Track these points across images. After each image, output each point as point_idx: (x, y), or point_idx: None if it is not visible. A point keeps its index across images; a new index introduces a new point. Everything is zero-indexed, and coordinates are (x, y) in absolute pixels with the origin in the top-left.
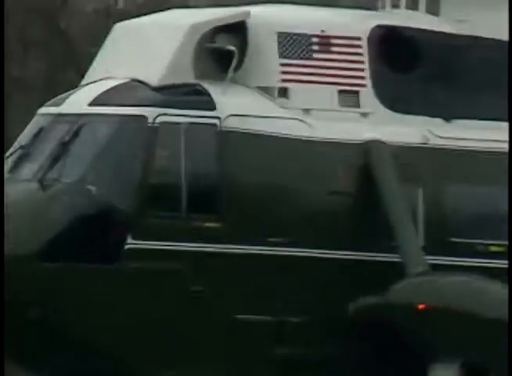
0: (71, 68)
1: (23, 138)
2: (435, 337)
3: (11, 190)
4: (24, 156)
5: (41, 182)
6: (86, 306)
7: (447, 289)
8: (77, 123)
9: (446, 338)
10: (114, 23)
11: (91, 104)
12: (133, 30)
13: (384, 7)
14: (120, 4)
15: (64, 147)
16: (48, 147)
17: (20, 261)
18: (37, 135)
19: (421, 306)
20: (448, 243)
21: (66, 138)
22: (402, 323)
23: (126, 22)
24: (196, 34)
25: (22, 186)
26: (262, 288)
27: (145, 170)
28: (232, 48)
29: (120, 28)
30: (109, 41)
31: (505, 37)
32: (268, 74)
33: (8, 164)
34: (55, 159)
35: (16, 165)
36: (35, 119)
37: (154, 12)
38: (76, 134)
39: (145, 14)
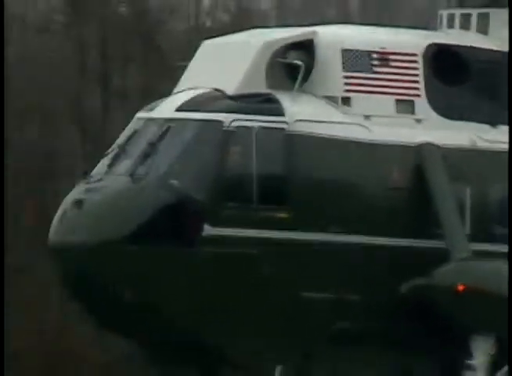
0: (165, 79)
1: (121, 138)
2: (474, 315)
3: (107, 184)
4: (120, 154)
5: (132, 176)
6: (169, 286)
7: (487, 273)
8: (165, 126)
9: (484, 317)
10: (202, 40)
11: (177, 110)
12: (217, 46)
13: (440, 27)
14: (208, 23)
15: (153, 147)
16: (139, 147)
17: (114, 244)
18: (132, 136)
19: (461, 287)
20: (491, 232)
21: (155, 139)
22: (444, 301)
23: (211, 40)
24: (268, 50)
25: (116, 179)
26: (325, 270)
27: (221, 167)
28: (299, 62)
29: (207, 45)
30: (196, 56)
31: None
32: (333, 84)
33: (107, 160)
34: (145, 157)
35: (114, 161)
36: (132, 122)
37: (237, 30)
38: (163, 135)
39: (229, 32)
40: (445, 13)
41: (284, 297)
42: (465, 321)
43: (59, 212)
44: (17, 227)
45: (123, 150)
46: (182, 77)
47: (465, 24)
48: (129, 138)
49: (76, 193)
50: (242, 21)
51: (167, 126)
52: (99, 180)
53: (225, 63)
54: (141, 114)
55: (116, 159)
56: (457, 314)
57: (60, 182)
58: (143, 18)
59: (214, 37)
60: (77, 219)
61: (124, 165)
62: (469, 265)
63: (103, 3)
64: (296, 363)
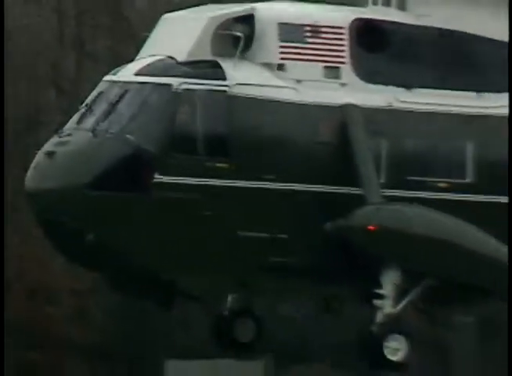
0: (132, 47)
1: (89, 98)
2: (382, 251)
3: (74, 138)
4: (87, 112)
5: (93, 132)
6: (124, 225)
7: (392, 214)
8: (124, 88)
9: (391, 252)
10: (167, 12)
11: (135, 74)
12: (173, 20)
13: (367, 5)
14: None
15: (113, 106)
16: (103, 106)
17: (75, 190)
18: (98, 96)
19: (371, 227)
20: (402, 180)
21: (116, 99)
22: (358, 239)
23: (170, 13)
24: (213, 23)
25: (81, 134)
26: (260, 213)
27: (170, 124)
28: (239, 34)
29: (165, 18)
30: (157, 28)
31: (456, 27)
32: (269, 53)
33: (76, 117)
34: (106, 115)
35: (81, 119)
36: (99, 84)
37: (199, 4)
38: (122, 96)
39: (194, 5)
40: None
41: (224, 235)
42: (375, 256)
43: (34, 162)
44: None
45: (89, 108)
46: (144, 45)
47: (387, 2)
48: (95, 98)
49: (48, 145)
50: None
51: (126, 88)
52: (68, 135)
53: (178, 35)
54: (106, 77)
55: (83, 116)
56: (368, 250)
57: (40, 135)
58: None
59: (175, 11)
60: (47, 168)
61: (89, 122)
62: (379, 208)
63: None
64: (241, 293)
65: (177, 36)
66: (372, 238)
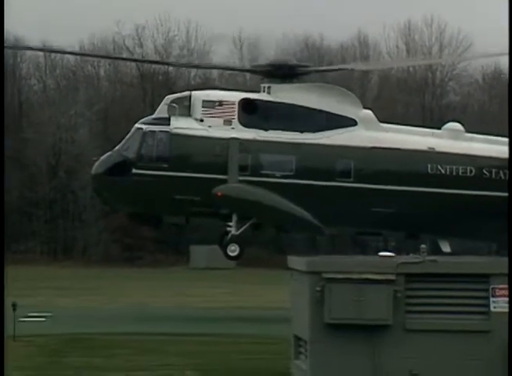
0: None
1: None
2: (228, 206)
3: (107, 154)
4: (119, 143)
5: (112, 150)
6: (114, 191)
7: (236, 188)
8: (134, 129)
9: (233, 207)
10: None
11: (138, 123)
12: (166, 98)
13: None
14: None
15: (126, 138)
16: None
17: (98, 174)
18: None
19: (219, 193)
20: (256, 173)
21: (129, 134)
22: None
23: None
24: (168, 100)
25: (109, 153)
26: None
27: (141, 147)
28: (175, 105)
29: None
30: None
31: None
32: (196, 113)
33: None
34: (122, 141)
35: (116, 146)
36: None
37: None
38: (129, 132)
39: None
40: (262, 86)
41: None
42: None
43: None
44: None
45: (121, 141)
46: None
47: (268, 90)
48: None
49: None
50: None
51: (132, 129)
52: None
53: (160, 106)
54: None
55: (117, 145)
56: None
57: None
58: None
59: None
60: (95, 166)
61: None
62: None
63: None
64: None
65: (159, 107)
66: (220, 200)
